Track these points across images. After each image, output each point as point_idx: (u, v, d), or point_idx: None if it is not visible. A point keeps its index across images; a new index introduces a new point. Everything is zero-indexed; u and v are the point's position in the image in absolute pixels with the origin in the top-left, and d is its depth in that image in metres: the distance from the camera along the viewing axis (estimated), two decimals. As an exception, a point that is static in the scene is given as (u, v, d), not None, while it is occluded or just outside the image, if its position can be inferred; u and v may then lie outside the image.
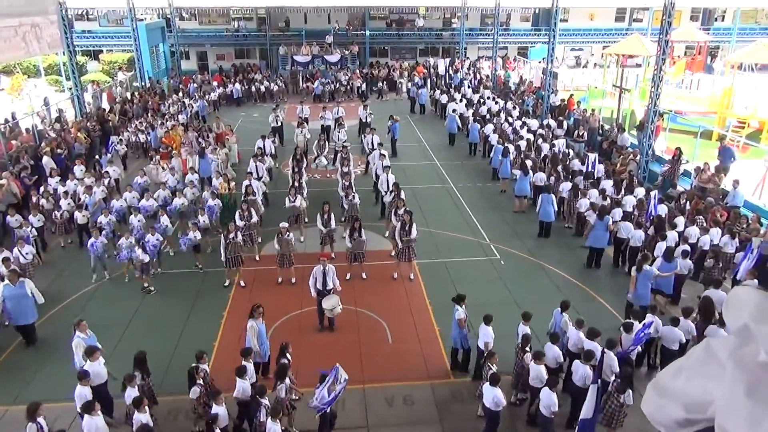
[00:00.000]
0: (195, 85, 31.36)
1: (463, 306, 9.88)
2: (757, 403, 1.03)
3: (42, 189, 15.97)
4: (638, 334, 9.35)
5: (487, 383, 8.34)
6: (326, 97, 32.18)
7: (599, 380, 7.90)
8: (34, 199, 15.46)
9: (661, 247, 12.26)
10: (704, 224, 13.35)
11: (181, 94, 29.48)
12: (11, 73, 33.34)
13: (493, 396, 8.20)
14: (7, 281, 10.85)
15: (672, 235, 12.86)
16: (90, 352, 8.69)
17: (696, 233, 13.08)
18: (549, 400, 8.07)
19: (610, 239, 13.92)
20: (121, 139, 21.41)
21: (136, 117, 25.19)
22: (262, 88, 33.22)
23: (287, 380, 8.48)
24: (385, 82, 35.16)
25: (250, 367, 8.83)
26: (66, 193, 15.69)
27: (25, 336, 11.14)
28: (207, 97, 29.25)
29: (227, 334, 11.31)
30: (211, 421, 7.70)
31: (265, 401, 8.08)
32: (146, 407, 7.89)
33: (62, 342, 11.11)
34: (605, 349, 8.58)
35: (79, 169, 17.74)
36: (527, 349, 9.03)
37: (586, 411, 7.88)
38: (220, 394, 8.13)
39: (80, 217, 14.80)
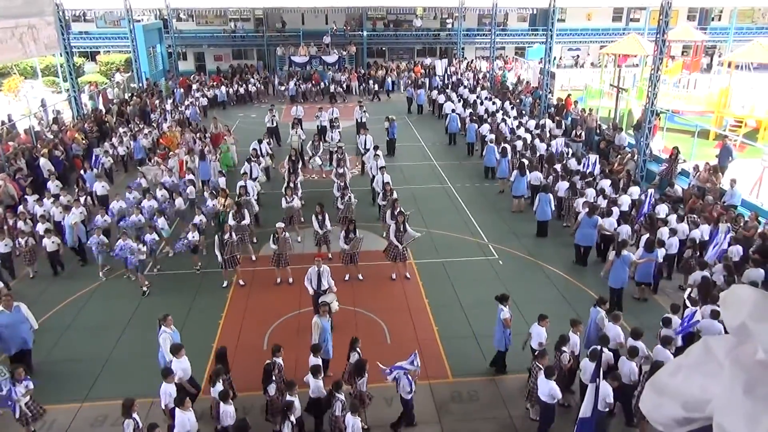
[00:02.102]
0: (182, 90, 30.87)
1: (507, 305, 9.88)
2: (756, 401, 1.03)
3: (20, 209, 14.48)
4: (685, 324, 9.47)
5: (542, 376, 8.40)
6: (299, 98, 32.20)
7: (598, 379, 7.89)
8: (10, 221, 13.95)
9: (644, 238, 12.53)
10: (695, 220, 13.71)
11: (169, 102, 28.18)
12: (8, 75, 33.27)
13: (549, 388, 8.27)
14: (1, 307, 9.88)
15: (664, 231, 13.02)
16: (176, 350, 8.73)
17: (685, 229, 13.41)
18: (604, 392, 8.15)
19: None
20: (106, 151, 19.85)
21: (133, 118, 25.09)
22: (241, 90, 32.97)
23: (365, 375, 8.62)
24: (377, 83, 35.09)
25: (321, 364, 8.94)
26: (43, 217, 13.96)
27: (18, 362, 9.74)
28: (198, 103, 28.84)
29: (226, 334, 11.30)
30: (285, 408, 7.82)
31: (341, 396, 8.18)
32: (231, 400, 8.13)
33: (56, 348, 11.12)
34: (663, 345, 8.86)
35: (54, 185, 16.20)
36: (564, 349, 9.08)
37: (585, 410, 7.86)
38: (294, 386, 8.25)
39: (49, 244, 13.15)
